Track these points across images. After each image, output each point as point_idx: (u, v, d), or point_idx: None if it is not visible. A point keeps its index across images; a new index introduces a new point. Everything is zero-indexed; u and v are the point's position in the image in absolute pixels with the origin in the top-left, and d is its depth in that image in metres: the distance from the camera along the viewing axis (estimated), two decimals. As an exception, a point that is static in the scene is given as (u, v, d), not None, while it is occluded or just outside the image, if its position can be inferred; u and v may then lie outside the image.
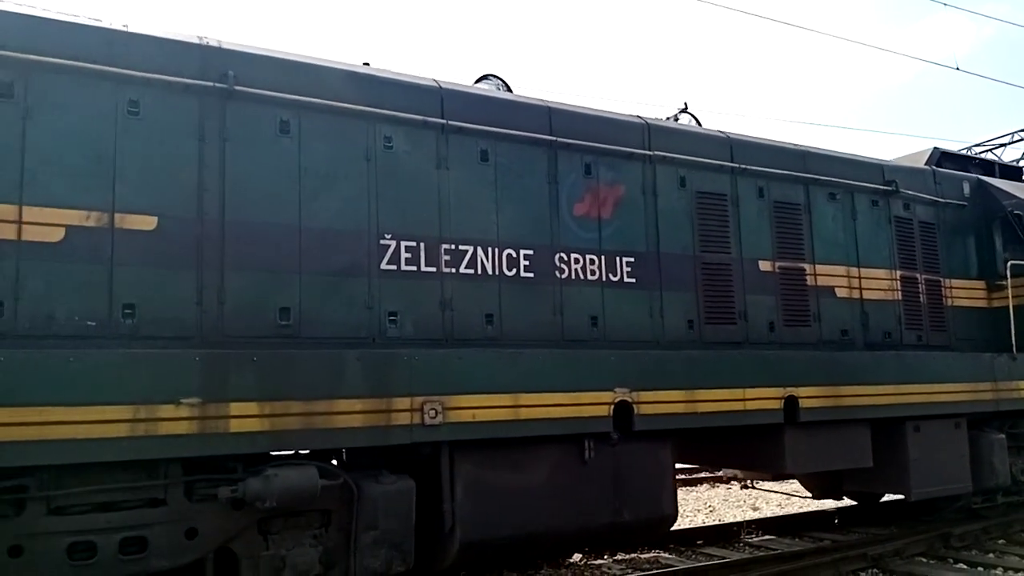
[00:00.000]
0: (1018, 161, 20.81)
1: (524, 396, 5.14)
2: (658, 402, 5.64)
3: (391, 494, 4.72)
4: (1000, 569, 6.75)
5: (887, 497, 9.04)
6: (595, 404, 5.40)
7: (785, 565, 6.53)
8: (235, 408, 4.29)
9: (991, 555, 7.27)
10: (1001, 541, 7.75)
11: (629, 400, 5.50)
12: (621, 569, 6.73)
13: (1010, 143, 21.88)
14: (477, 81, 6.53)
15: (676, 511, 5.98)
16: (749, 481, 10.71)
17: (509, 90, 6.56)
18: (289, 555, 4.49)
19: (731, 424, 6.01)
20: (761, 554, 7.09)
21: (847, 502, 9.35)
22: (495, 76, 6.59)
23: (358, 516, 4.63)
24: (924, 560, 7.14)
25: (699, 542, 7.81)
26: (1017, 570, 6.74)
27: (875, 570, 6.79)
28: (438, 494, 4.93)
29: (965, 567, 6.90)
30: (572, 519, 5.37)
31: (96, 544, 4.03)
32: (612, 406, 5.45)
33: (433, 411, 4.79)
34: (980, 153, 21.35)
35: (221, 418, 4.25)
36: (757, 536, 8.10)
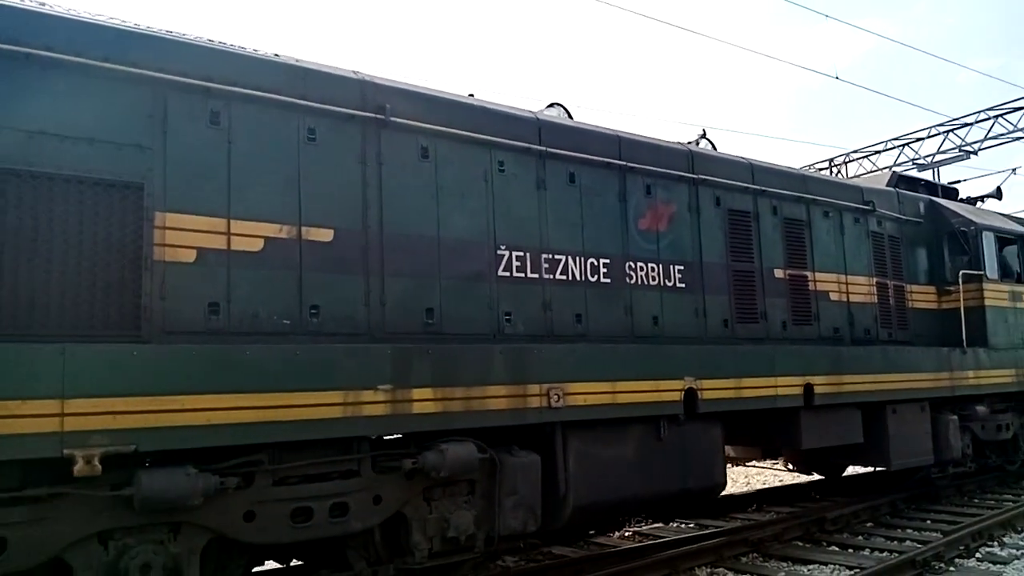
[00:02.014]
0: (890, 167, 22.54)
1: (620, 384, 6.13)
2: (715, 388, 6.74)
3: (525, 465, 5.62)
4: (868, 550, 7.47)
5: (851, 472, 10.52)
6: (670, 390, 6.44)
7: (671, 551, 7.02)
8: (416, 393, 5.09)
9: (860, 537, 8.07)
10: (869, 524, 8.62)
11: (695, 387, 6.58)
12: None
13: (884, 151, 23.75)
14: (547, 108, 7.42)
15: (726, 480, 7.12)
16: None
17: (570, 116, 7.50)
18: (451, 517, 5.33)
19: (767, 407, 7.18)
20: (650, 542, 7.57)
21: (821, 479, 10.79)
22: (560, 104, 7.51)
23: (501, 484, 5.51)
24: (800, 544, 7.74)
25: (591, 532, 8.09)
26: (882, 550, 7.40)
27: (755, 554, 7.34)
28: (553, 466, 5.85)
29: (837, 549, 7.59)
30: (651, 486, 6.40)
31: (313, 509, 4.78)
32: (683, 392, 6.51)
33: (556, 396, 5.72)
34: (857, 159, 24.17)
35: (406, 401, 5.05)
36: (647, 525, 8.55)
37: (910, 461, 8.59)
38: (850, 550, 7.53)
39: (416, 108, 5.80)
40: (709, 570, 6.87)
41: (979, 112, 21.38)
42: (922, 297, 9.81)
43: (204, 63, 4.96)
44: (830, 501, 9.46)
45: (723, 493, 7.76)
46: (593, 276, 6.60)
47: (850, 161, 24.65)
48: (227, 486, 4.42)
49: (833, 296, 8.58)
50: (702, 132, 8.68)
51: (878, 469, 9.42)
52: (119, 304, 4.48)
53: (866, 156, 24.28)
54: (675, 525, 8.58)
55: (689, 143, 8.46)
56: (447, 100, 6.12)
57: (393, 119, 5.61)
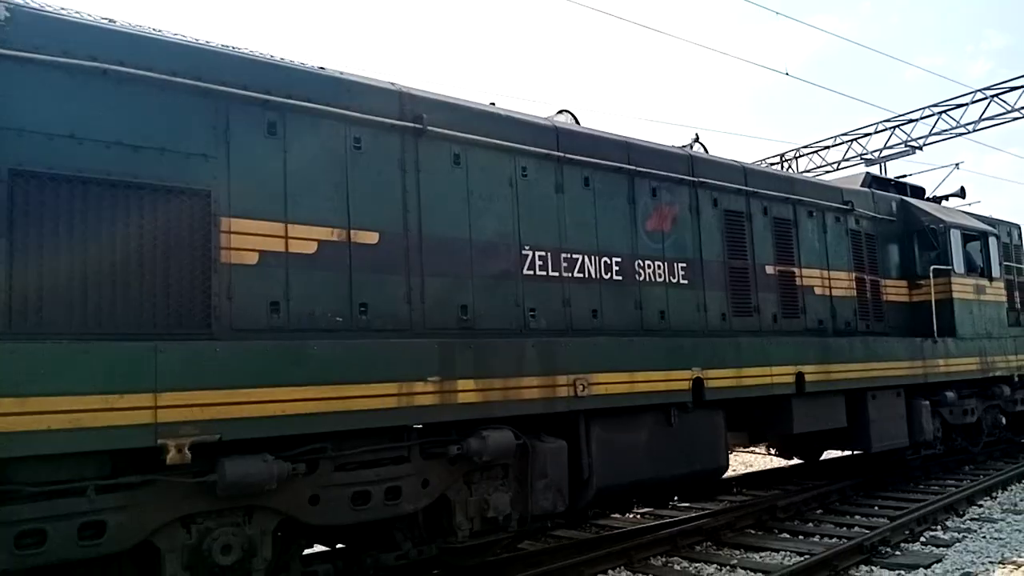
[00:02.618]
0: (839, 164, 23.91)
1: (637, 374, 6.60)
2: (719, 378, 7.25)
3: (554, 450, 6.06)
4: (818, 536, 7.71)
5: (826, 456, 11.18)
6: (680, 380, 6.94)
7: (627, 543, 7.13)
8: (460, 384, 5.49)
9: (810, 524, 8.30)
10: (819, 511, 8.89)
11: (701, 377, 7.08)
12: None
13: (833, 146, 24.31)
14: (557, 114, 7.84)
15: (728, 463, 7.65)
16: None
17: (577, 122, 7.93)
18: (491, 499, 5.75)
19: (764, 395, 7.72)
20: (605, 533, 7.76)
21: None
22: (568, 111, 7.93)
23: (533, 468, 5.94)
24: (753, 532, 7.93)
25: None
26: (831, 536, 7.65)
27: (709, 543, 7.51)
28: (577, 451, 6.29)
29: (788, 536, 7.80)
30: (664, 469, 6.89)
31: (371, 493, 5.15)
32: (691, 381, 7.00)
33: (582, 386, 6.16)
34: (807, 153, 24.75)
35: (452, 392, 5.44)
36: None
37: (888, 444, 9.23)
38: (801, 537, 7.76)
39: (448, 118, 6.18)
40: (664, 559, 7.01)
41: (924, 108, 22.05)
42: (895, 290, 10.47)
43: (261, 76, 5.28)
44: (780, 489, 9.91)
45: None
46: (607, 274, 7.05)
47: (800, 156, 25.26)
48: (297, 472, 4.77)
49: (817, 290, 9.17)
50: (695, 136, 9.18)
51: (855, 452, 10.05)
52: (191, 304, 4.79)
53: (816, 151, 24.89)
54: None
55: (684, 147, 8.96)
56: (476, 110, 6.51)
57: (429, 128, 5.98)
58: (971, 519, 8.28)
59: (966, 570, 6.29)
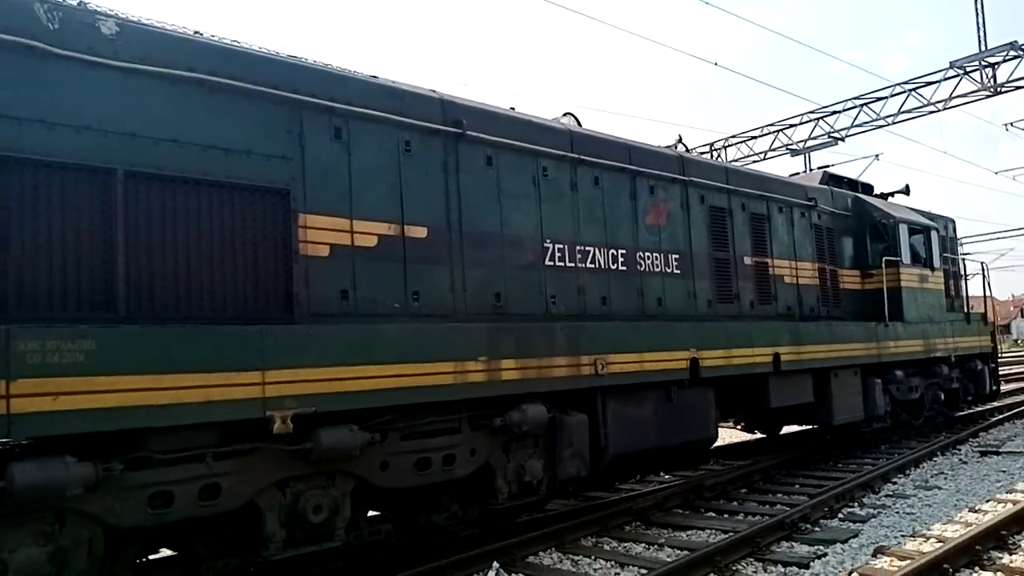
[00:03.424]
0: (766, 153, 24.97)
1: (645, 355, 7.38)
2: (711, 358, 8.09)
3: (578, 423, 6.80)
4: (742, 515, 7.96)
5: (786, 430, 12.22)
6: (680, 360, 7.75)
7: (558, 524, 7.19)
8: (504, 364, 6.17)
9: (735, 503, 8.54)
10: (744, 490, 9.15)
11: (697, 357, 7.91)
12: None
13: (760, 135, 25.24)
14: (562, 116, 8.52)
15: (717, 434, 8.53)
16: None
17: (580, 124, 8.63)
18: (526, 465, 6.45)
19: (747, 372, 8.61)
20: (538, 515, 7.67)
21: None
22: (571, 114, 8.63)
23: (560, 438, 6.67)
24: (680, 511, 8.13)
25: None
26: (755, 513, 7.88)
27: (638, 523, 7.65)
28: (595, 423, 7.04)
29: (714, 515, 8.00)
30: (665, 439, 7.70)
31: (431, 459, 5.80)
32: (688, 361, 7.82)
33: (601, 365, 6.91)
34: (736, 143, 25.80)
35: (497, 370, 6.12)
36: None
37: (847, 417, 10.27)
38: (726, 515, 7.97)
39: (482, 123, 6.81)
40: (594, 540, 7.09)
41: (846, 101, 23.07)
42: (850, 279, 11.54)
43: (327, 85, 5.82)
44: (705, 470, 10.64)
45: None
46: (614, 264, 7.80)
47: (729, 145, 26.09)
48: (374, 440, 5.38)
49: (787, 279, 10.13)
50: (679, 137, 10.01)
51: (811, 427, 11.09)
52: (276, 291, 5.34)
53: (744, 140, 25.73)
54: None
55: (669, 147, 9.77)
56: (504, 115, 7.16)
57: (468, 133, 6.61)
58: (886, 495, 8.59)
59: (880, 544, 6.49)
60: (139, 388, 4.33)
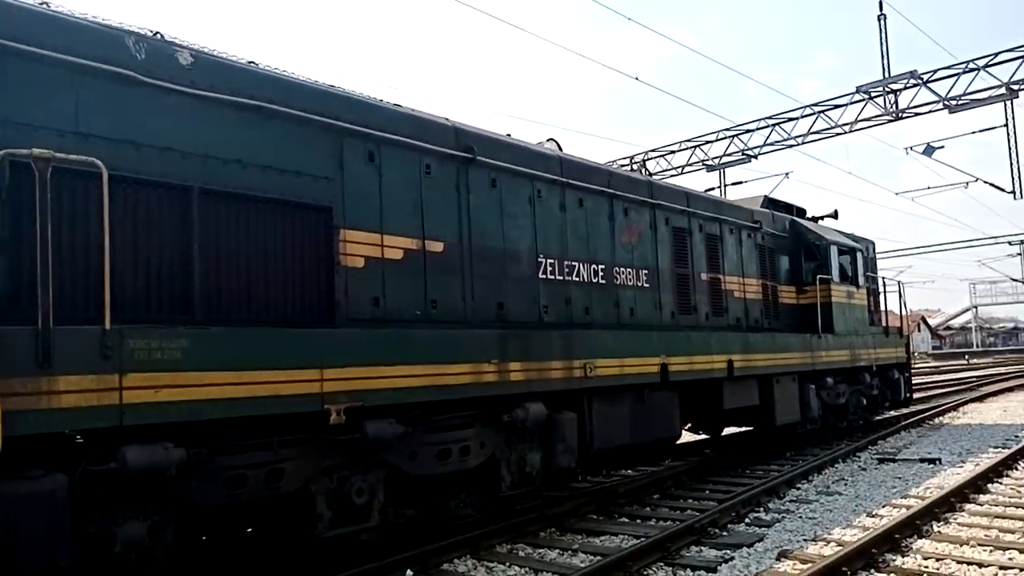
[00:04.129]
0: (683, 168, 25.54)
1: (626, 360, 8.25)
2: (678, 364, 9.03)
3: (570, 420, 7.60)
4: (654, 520, 8.01)
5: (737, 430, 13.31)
6: (653, 365, 8.65)
7: (477, 530, 7.05)
8: (511, 366, 6.92)
9: (648, 508, 8.64)
10: (656, 496, 9.25)
11: (666, 363, 8.83)
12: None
13: (679, 151, 25.77)
14: (546, 142, 9.33)
15: (681, 433, 9.46)
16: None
17: (561, 148, 9.46)
18: (526, 457, 7.22)
19: (707, 377, 9.59)
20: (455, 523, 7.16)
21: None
22: (553, 139, 9.46)
23: (555, 433, 7.45)
24: (595, 517, 8.16)
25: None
26: (666, 519, 7.98)
27: (553, 529, 7.66)
28: (583, 420, 7.85)
29: (627, 520, 8.06)
30: (639, 435, 8.58)
31: (451, 450, 6.50)
32: (660, 366, 8.74)
33: (589, 368, 7.74)
34: (655, 157, 26.00)
35: (506, 372, 6.86)
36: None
37: (787, 419, 11.40)
38: (639, 520, 8.04)
39: (488, 148, 7.56)
40: (510, 547, 7.06)
41: (760, 120, 24.12)
42: (787, 294, 12.73)
43: (362, 113, 6.47)
44: (617, 477, 11.76)
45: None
46: (595, 278, 8.65)
47: (649, 159, 26.47)
48: (407, 433, 6.05)
49: (736, 294, 11.20)
50: (642, 161, 10.96)
51: (748, 428, 12.20)
52: (320, 297, 5.95)
53: (663, 155, 26.23)
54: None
55: (633, 169, 10.69)
56: (506, 142, 7.92)
57: (477, 158, 7.35)
58: (790, 501, 8.82)
59: (783, 548, 6.66)
60: (223, 383, 4.91)
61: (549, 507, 8.08)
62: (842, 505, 8.52)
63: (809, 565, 5.91)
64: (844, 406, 13.36)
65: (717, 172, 25.83)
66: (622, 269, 9.05)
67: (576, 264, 8.41)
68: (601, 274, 8.74)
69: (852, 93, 22.12)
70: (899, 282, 16.01)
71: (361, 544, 6.10)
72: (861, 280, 13.96)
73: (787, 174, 25.31)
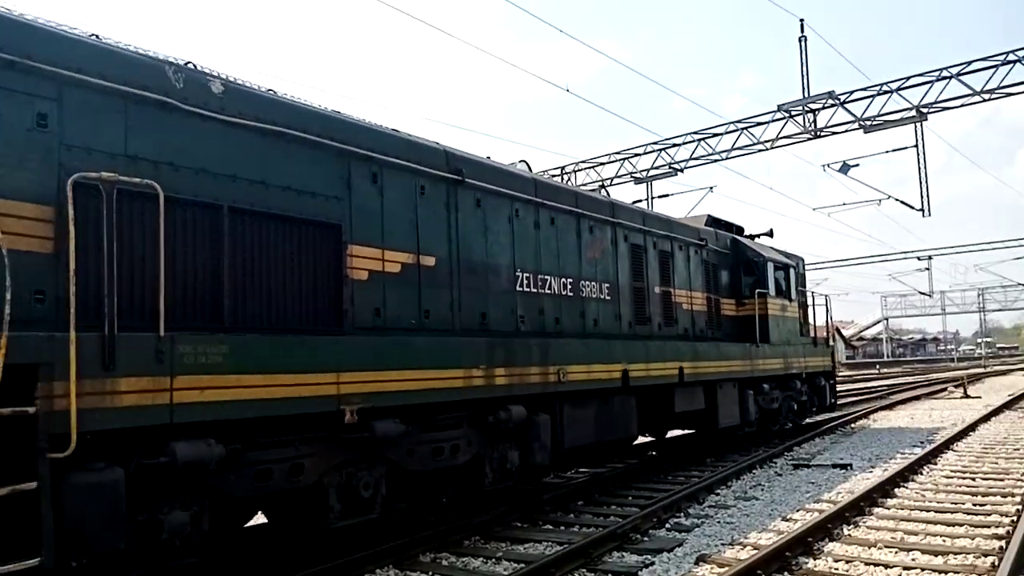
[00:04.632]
0: (612, 179, 26.19)
1: (593, 366, 9.00)
2: (637, 370, 9.83)
3: (545, 421, 8.28)
4: (577, 527, 8.13)
5: (688, 431, 14.23)
6: (615, 371, 9.42)
7: (397, 540, 7.04)
8: (496, 371, 7.57)
9: (572, 515, 8.72)
10: (580, 502, 9.38)
11: (627, 369, 9.62)
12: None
13: (608, 163, 26.42)
14: (518, 163, 10.01)
15: (638, 434, 10.25)
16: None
17: (531, 169, 10.17)
18: (508, 455, 7.87)
19: (662, 383, 10.42)
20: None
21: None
22: (525, 161, 10.15)
23: (532, 433, 8.13)
24: (520, 524, 8.19)
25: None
26: (589, 525, 8.09)
27: (477, 537, 7.64)
28: (555, 422, 8.55)
29: (551, 527, 8.14)
30: (603, 434, 9.34)
31: (444, 448, 7.11)
32: (622, 372, 9.52)
33: (562, 373, 8.45)
34: (585, 168, 27.02)
35: (492, 377, 7.51)
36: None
37: (729, 422, 12.36)
38: (562, 527, 8.13)
39: (474, 170, 8.20)
40: (432, 555, 7.04)
41: (686, 135, 24.90)
42: (728, 306, 13.73)
43: (367, 138, 7.03)
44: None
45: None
46: (564, 291, 9.38)
47: (579, 170, 27.38)
48: (408, 432, 6.63)
49: (684, 306, 12.10)
50: (601, 183, 11.76)
51: (686, 432, 13.13)
52: (330, 307, 6.50)
53: (592, 167, 27.10)
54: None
55: (595, 190, 11.48)
56: (489, 165, 8.58)
57: (466, 180, 7.99)
58: (709, 506, 9.02)
59: (702, 552, 6.84)
60: (257, 385, 5.43)
61: (475, 515, 8.06)
62: (759, 510, 8.74)
63: (726, 569, 6.04)
64: (777, 411, 14.43)
65: (645, 185, 26.58)
66: (587, 282, 9.80)
67: (548, 278, 9.12)
68: (569, 287, 9.47)
69: (774, 111, 23.06)
70: (826, 296, 17.30)
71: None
72: (794, 294, 15.11)
73: (711, 188, 26.52)
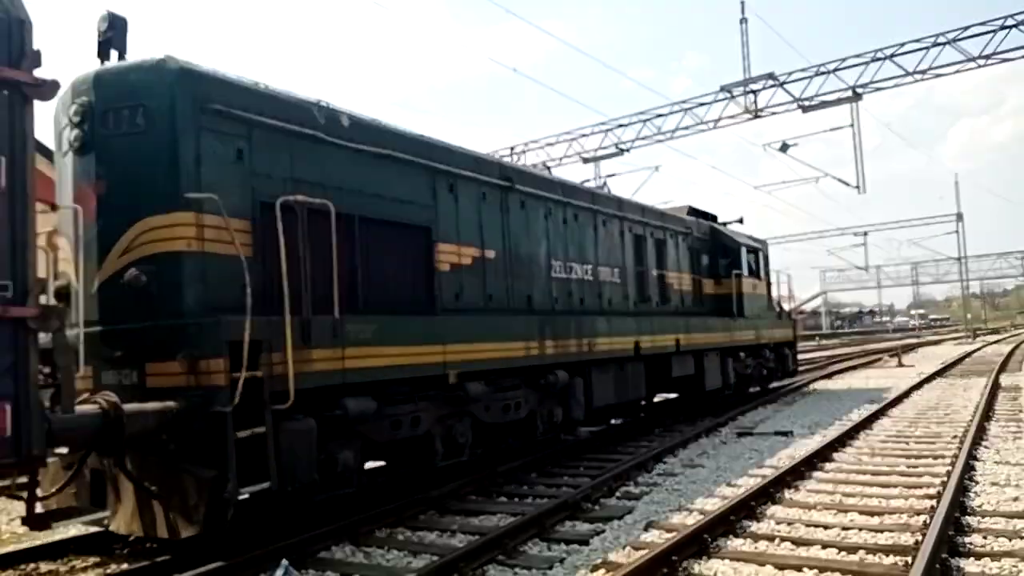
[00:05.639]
0: (561, 159, 27.08)
1: (614, 338, 10.78)
2: (645, 342, 11.64)
3: (579, 383, 10.06)
4: (531, 498, 8.13)
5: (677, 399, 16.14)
6: (630, 342, 11.23)
7: (353, 517, 6.96)
8: (546, 343, 9.29)
9: (525, 487, 8.75)
10: (534, 474, 9.36)
11: (638, 340, 11.43)
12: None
13: (556, 143, 27.34)
14: (542, 167, 11.69)
15: (647, 395, 12.09)
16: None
17: (549, 170, 11.85)
18: (553, 411, 9.63)
19: (665, 352, 12.27)
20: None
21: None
22: (546, 165, 11.84)
23: (572, 393, 9.89)
24: (475, 498, 8.24)
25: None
26: (543, 496, 8.14)
27: (433, 511, 7.64)
28: (587, 384, 10.31)
29: (505, 499, 8.21)
30: (621, 395, 11.16)
31: (511, 405, 8.81)
32: (634, 343, 11.32)
33: (591, 344, 10.21)
34: (535, 148, 27.74)
35: (543, 348, 9.23)
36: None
37: (714, 386, 14.29)
38: (516, 499, 8.19)
39: (520, 178, 9.86)
40: (388, 531, 7.02)
41: (632, 115, 25.45)
42: (709, 286, 15.63)
43: (446, 155, 8.62)
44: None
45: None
46: (586, 275, 11.11)
47: (528, 150, 28.09)
48: (487, 392, 8.31)
49: (675, 286, 13.96)
50: (603, 181, 13.51)
51: (672, 396, 15.04)
52: (425, 294, 8.10)
53: (541, 147, 27.93)
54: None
55: (599, 187, 13.22)
56: (530, 172, 10.28)
57: (516, 186, 9.64)
58: (657, 474, 9.16)
59: (650, 519, 6.97)
60: (393, 354, 7.06)
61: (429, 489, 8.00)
62: (705, 477, 8.93)
63: (674, 534, 6.13)
64: (750, 376, 16.47)
65: (592, 165, 27.27)
66: (602, 268, 11.56)
67: (574, 265, 10.84)
68: (589, 272, 11.21)
69: (716, 92, 23.90)
70: (788, 275, 19.41)
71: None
72: (762, 274, 17.13)
73: (657, 168, 26.48)
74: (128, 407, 5.16)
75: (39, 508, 5.18)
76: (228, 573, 5.69)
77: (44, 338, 4.47)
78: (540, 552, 6.28)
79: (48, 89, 4.29)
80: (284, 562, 5.69)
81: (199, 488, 5.41)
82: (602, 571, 5.55)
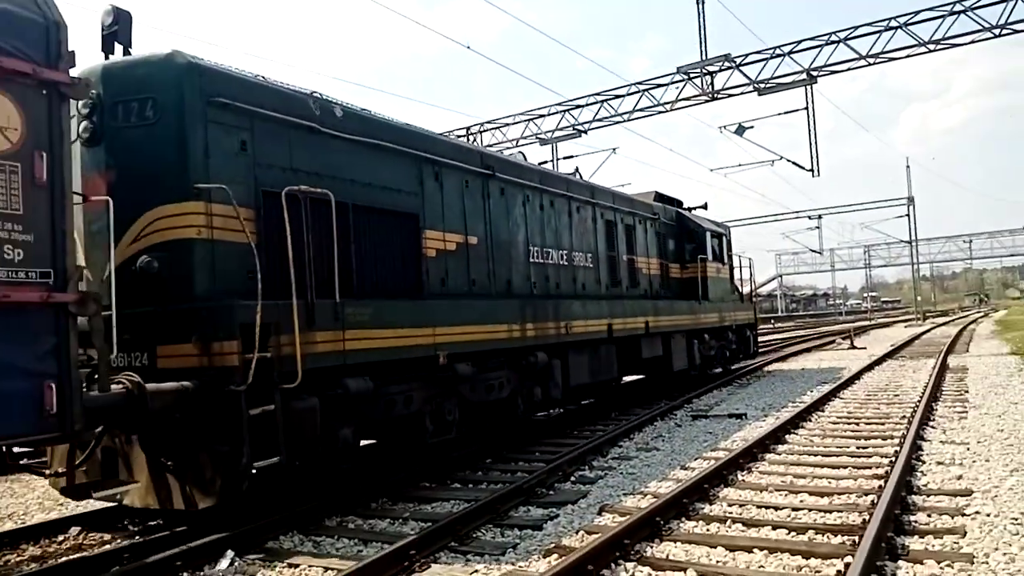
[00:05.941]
0: (518, 141, 26.71)
1: (589, 321, 11.25)
2: (618, 324, 12.14)
3: (557, 364, 10.50)
4: (485, 484, 8.14)
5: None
6: (603, 325, 11.71)
7: (309, 504, 6.93)
8: (527, 326, 9.72)
9: (480, 472, 8.71)
10: (489, 460, 9.36)
11: (611, 323, 11.93)
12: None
13: (513, 123, 27.24)
14: (517, 152, 12.06)
15: (619, 376, 12.61)
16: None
17: (525, 158, 12.23)
18: (534, 390, 10.07)
19: (635, 334, 12.79)
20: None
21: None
22: (521, 152, 12.22)
23: (550, 374, 10.33)
24: (428, 484, 8.13)
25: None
26: (497, 482, 8.10)
27: (385, 499, 7.53)
28: (564, 365, 10.78)
29: (459, 486, 8.16)
30: (595, 376, 11.64)
31: (494, 385, 9.23)
32: (607, 326, 11.82)
33: (568, 327, 10.67)
34: (490, 129, 27.27)
35: (524, 330, 9.65)
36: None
37: (680, 366, 14.88)
38: (471, 485, 8.15)
39: (500, 166, 10.23)
40: (339, 519, 6.95)
41: (590, 96, 25.02)
42: (675, 270, 16.22)
43: (432, 144, 8.97)
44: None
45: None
46: (562, 260, 11.56)
47: (484, 131, 27.76)
48: (474, 372, 8.71)
49: (644, 270, 14.49)
50: (575, 168, 13.94)
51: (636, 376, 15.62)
52: (413, 279, 8.46)
53: (498, 127, 27.60)
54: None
55: (572, 172, 13.66)
56: (509, 160, 10.62)
57: (496, 174, 10.01)
58: (612, 458, 9.14)
59: (605, 502, 6.99)
60: (388, 337, 7.41)
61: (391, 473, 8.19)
62: (659, 460, 8.97)
63: (627, 517, 6.08)
64: (714, 357, 17.13)
65: (550, 146, 27.03)
66: (576, 253, 12.01)
67: (550, 250, 11.28)
68: (565, 257, 11.66)
69: (673, 73, 23.72)
70: (750, 259, 20.09)
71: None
72: (725, 258, 17.77)
73: (614, 150, 27.05)
74: (150, 386, 5.45)
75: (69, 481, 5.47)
76: (171, 564, 5.55)
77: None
78: (493, 538, 6.22)
79: (81, 88, 4.55)
80: (230, 553, 5.70)
81: (215, 462, 5.75)
82: (554, 556, 5.55)
